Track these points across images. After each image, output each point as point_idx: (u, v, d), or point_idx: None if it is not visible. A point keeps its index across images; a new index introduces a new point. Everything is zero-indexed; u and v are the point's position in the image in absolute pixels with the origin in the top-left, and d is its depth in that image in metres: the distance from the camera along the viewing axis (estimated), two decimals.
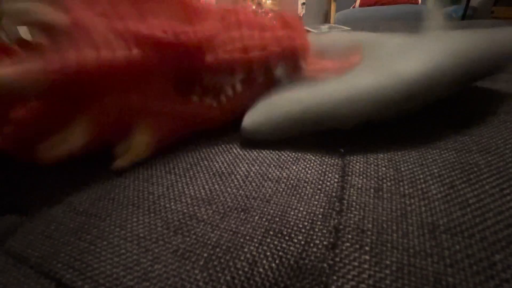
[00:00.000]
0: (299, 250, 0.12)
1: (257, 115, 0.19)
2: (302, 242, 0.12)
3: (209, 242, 0.13)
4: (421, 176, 0.15)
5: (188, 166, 0.18)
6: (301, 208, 0.14)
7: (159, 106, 0.18)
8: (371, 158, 0.17)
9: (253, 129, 0.19)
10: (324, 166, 0.17)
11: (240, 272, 0.11)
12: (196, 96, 0.20)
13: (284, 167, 0.17)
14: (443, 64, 0.16)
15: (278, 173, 0.16)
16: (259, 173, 0.16)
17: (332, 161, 0.17)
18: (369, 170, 0.16)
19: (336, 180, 0.15)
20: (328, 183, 0.15)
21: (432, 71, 0.16)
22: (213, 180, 0.16)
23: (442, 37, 0.19)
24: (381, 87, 0.16)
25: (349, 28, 0.69)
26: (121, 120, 0.17)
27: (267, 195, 0.15)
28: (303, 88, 0.19)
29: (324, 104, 0.17)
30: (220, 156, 0.19)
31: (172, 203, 0.15)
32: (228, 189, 0.16)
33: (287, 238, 0.12)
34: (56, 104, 0.16)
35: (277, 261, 0.11)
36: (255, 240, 0.12)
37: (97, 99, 0.16)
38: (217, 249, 0.12)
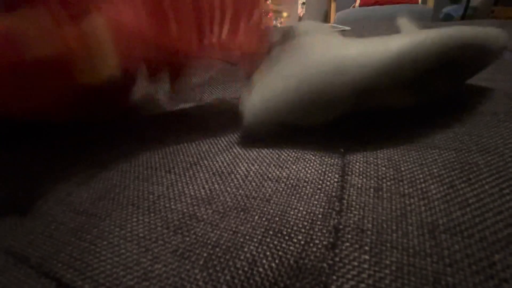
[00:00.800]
0: (299, 250, 0.12)
1: (254, 105, 0.19)
2: (302, 242, 0.12)
3: (209, 241, 0.13)
4: (421, 175, 0.15)
5: (188, 165, 0.18)
6: (301, 208, 0.14)
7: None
8: (371, 158, 0.17)
9: (254, 122, 0.19)
10: (324, 166, 0.17)
11: (240, 271, 0.11)
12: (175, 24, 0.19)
13: (284, 167, 0.17)
14: (430, 41, 0.16)
15: (278, 172, 0.16)
16: (259, 173, 0.16)
17: (332, 160, 0.17)
18: (369, 170, 0.16)
19: (336, 180, 0.15)
20: (328, 183, 0.15)
21: (419, 44, 0.16)
22: (213, 180, 0.16)
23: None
24: (369, 55, 0.16)
25: (349, 28, 0.69)
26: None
27: (267, 194, 0.15)
28: (293, 63, 0.19)
29: (315, 75, 0.17)
30: (220, 156, 0.19)
31: (172, 203, 0.15)
32: (228, 188, 0.16)
33: (287, 238, 0.12)
34: None
35: (277, 261, 0.11)
36: (255, 239, 0.12)
37: None
38: (217, 249, 0.12)
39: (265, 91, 0.19)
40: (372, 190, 0.14)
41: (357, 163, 0.16)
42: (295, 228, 0.13)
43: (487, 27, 0.19)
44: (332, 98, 0.17)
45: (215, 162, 0.18)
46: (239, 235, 0.13)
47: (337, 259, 0.11)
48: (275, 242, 0.12)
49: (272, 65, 0.21)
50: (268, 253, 0.12)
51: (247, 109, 0.20)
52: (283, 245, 0.12)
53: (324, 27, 0.24)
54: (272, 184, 0.15)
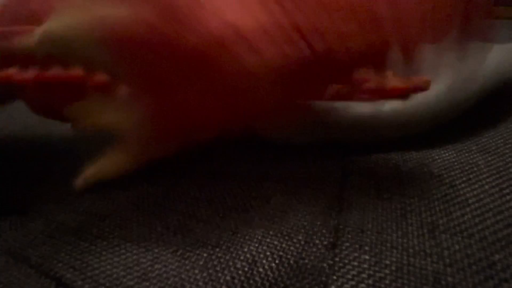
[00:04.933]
0: (299, 250, 0.12)
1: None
2: (302, 242, 0.12)
3: (208, 242, 0.13)
4: (421, 175, 0.15)
5: (189, 165, 0.18)
6: (301, 208, 0.14)
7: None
8: (371, 158, 0.17)
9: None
10: (325, 166, 0.17)
11: (240, 272, 0.11)
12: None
13: (285, 167, 0.17)
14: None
15: (278, 172, 0.16)
16: (259, 173, 0.16)
17: (333, 160, 0.17)
18: (369, 170, 0.16)
19: (336, 179, 0.15)
20: (328, 183, 0.15)
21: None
22: (213, 180, 0.16)
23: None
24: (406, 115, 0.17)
25: None
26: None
27: (267, 195, 0.15)
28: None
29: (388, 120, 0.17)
30: (221, 156, 0.19)
31: (172, 203, 0.15)
32: (228, 189, 0.16)
33: (287, 238, 0.12)
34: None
35: (277, 261, 0.11)
36: (255, 240, 0.12)
37: None
38: (217, 249, 0.12)
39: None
40: (372, 190, 0.14)
41: (358, 163, 0.16)
42: (295, 228, 0.13)
43: None
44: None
45: (216, 163, 0.18)
46: (239, 235, 0.13)
47: (337, 259, 0.11)
48: (275, 242, 0.12)
49: None
50: (268, 253, 0.12)
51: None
52: (283, 245, 0.12)
53: None
54: (272, 184, 0.15)
